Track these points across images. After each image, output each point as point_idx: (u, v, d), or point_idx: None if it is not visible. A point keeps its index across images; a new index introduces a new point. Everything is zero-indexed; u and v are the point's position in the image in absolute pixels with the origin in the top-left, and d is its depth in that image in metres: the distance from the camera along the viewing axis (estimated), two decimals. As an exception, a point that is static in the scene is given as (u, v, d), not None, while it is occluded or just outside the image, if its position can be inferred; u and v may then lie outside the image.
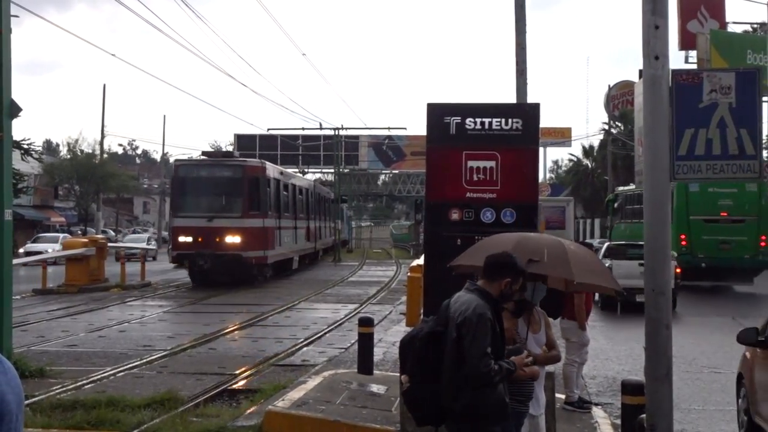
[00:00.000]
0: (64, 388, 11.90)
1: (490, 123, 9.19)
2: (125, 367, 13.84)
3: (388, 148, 75.38)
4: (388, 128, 65.38)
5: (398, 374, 9.85)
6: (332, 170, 66.52)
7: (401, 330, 16.89)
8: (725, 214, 27.84)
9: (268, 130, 60.96)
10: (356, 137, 72.05)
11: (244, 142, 70.46)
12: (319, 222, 45.99)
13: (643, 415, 5.48)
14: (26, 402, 10.72)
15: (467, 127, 9.19)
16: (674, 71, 5.55)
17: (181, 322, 20.54)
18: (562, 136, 76.49)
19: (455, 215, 9.19)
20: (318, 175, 65.97)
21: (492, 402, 5.15)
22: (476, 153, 9.14)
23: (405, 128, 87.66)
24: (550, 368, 7.74)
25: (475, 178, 9.14)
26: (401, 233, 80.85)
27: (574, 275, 6.29)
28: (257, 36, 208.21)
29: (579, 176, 74.16)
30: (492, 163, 9.13)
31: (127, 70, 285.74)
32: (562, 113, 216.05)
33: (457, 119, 9.21)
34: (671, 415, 5.24)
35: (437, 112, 9.36)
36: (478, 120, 9.19)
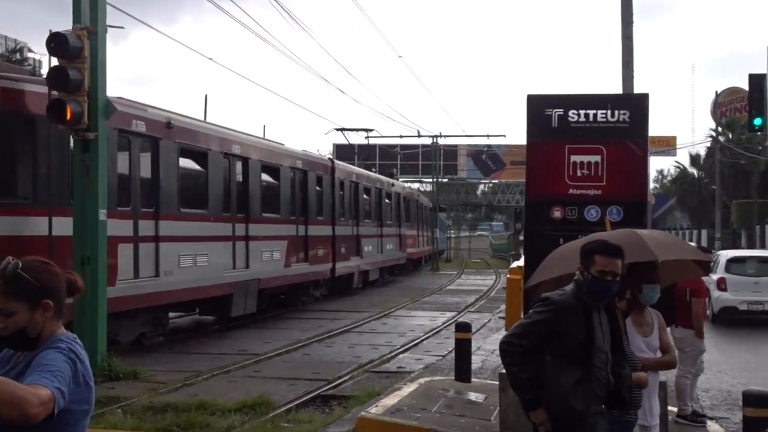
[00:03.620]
0: (156, 391, 11.79)
1: (595, 115, 8.65)
2: (219, 371, 13.70)
3: (487, 158, 74.65)
4: (488, 136, 64.32)
5: (497, 383, 9.36)
6: (431, 179, 66.21)
7: (500, 338, 16.34)
8: None
9: (366, 138, 60.84)
10: (455, 146, 71.61)
11: (342, 151, 70.68)
12: (370, 230, 30.81)
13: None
14: (119, 404, 10.66)
15: (570, 119, 8.67)
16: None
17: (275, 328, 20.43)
18: (666, 145, 74.42)
19: (557, 213, 8.66)
20: (416, 185, 65.58)
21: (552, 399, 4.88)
22: (580, 147, 8.61)
23: (504, 136, 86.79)
24: (662, 378, 7.15)
25: (579, 174, 8.60)
26: (500, 243, 79.77)
27: (656, 255, 5.89)
28: (354, 42, 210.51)
29: (685, 185, 72.03)
30: (597, 158, 8.58)
31: (229, 77, 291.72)
32: (667, 122, 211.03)
33: (560, 111, 8.69)
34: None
35: (538, 105, 8.85)
36: (582, 112, 8.66)
